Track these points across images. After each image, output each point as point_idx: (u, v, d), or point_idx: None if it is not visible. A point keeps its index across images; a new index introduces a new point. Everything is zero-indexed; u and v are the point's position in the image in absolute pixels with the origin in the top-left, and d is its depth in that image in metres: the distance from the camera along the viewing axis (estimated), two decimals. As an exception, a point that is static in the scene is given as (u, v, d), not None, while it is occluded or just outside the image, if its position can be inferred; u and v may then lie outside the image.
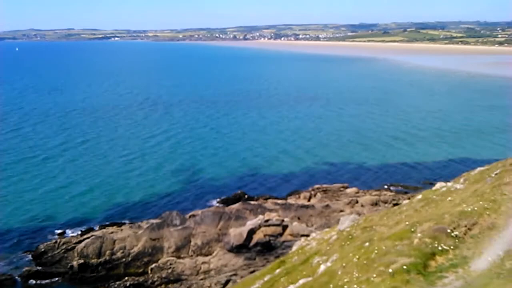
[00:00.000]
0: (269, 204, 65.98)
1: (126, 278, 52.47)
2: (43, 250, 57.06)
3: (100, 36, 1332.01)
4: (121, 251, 56.25)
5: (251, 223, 57.15)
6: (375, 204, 66.25)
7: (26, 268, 53.45)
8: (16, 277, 52.17)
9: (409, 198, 57.33)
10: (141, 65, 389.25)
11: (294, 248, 48.72)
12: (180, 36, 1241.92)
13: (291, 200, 70.39)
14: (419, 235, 23.62)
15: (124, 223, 64.34)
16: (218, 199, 75.11)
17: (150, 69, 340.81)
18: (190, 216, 60.84)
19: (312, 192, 73.42)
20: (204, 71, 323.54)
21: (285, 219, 58.47)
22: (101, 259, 55.19)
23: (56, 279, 52.97)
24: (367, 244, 26.50)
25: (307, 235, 52.34)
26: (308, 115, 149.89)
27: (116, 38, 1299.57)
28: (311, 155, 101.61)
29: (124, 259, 55.47)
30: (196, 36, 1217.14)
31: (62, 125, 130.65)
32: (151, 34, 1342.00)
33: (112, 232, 58.99)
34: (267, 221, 57.27)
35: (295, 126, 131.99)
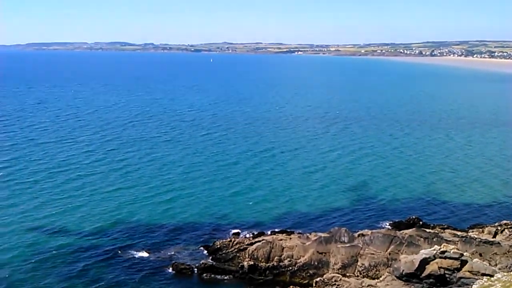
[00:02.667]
0: (446, 234, 60.70)
1: (291, 286, 53.06)
2: (218, 246, 61.10)
3: (285, 50, 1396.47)
4: (288, 259, 57.26)
5: (424, 252, 53.05)
6: None
7: (203, 261, 57.64)
8: (194, 268, 56.60)
9: None
10: (321, 79, 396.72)
11: (474, 287, 43.93)
12: (362, 51, 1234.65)
13: (472, 234, 63.62)
14: None
15: (293, 232, 65.44)
16: (390, 222, 71.77)
17: (330, 83, 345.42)
18: (359, 235, 59.14)
19: (499, 228, 65.33)
20: (386, 87, 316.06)
21: (465, 254, 52.93)
22: (269, 264, 56.88)
23: (227, 276, 56.04)
24: None
25: (490, 275, 46.75)
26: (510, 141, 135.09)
27: (299, 52, 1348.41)
28: (504, 186, 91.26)
29: (290, 268, 56.32)
30: (379, 51, 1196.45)
31: (249, 132, 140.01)
32: (333, 48, 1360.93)
33: (281, 239, 60.44)
34: (443, 252, 52.55)
35: (490, 153, 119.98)
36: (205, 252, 61.08)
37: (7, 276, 53.27)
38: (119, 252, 60.26)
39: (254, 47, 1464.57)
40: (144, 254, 59.93)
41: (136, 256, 59.45)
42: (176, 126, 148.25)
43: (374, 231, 60.21)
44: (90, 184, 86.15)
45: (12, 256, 57.92)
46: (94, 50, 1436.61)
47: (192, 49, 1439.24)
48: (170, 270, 56.24)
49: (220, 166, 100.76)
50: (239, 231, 67.92)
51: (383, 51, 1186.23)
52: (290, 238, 61.07)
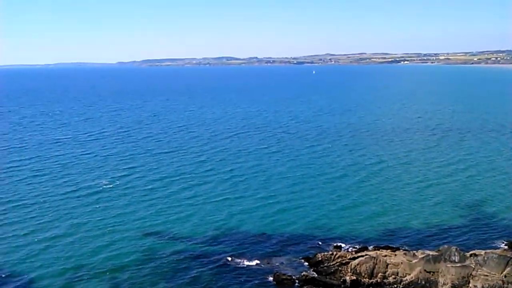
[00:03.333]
0: None
1: (396, 305, 51.71)
2: (320, 259, 61.15)
3: (390, 59, 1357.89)
4: (393, 276, 55.86)
5: (546, 277, 49.00)
6: None
7: (304, 273, 57.90)
8: (295, 279, 57.19)
9: None
10: (431, 89, 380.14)
11: None
12: (475, 59, 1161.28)
13: None
14: None
15: (398, 249, 63.60)
16: (505, 242, 66.92)
17: (441, 94, 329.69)
18: (471, 255, 55.95)
19: None
20: (504, 97, 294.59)
21: None
22: (373, 280, 55.88)
23: (329, 289, 55.93)
24: None
25: None
26: None
27: (406, 62, 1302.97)
28: None
29: (395, 285, 54.86)
30: (493, 58, 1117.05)
31: (355, 145, 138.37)
32: (442, 57, 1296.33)
33: (385, 255, 59.07)
34: None
35: None
36: (306, 264, 61.33)
37: (126, 278, 57.75)
38: (228, 260, 62.65)
39: (357, 57, 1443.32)
40: (250, 263, 61.80)
41: (243, 264, 61.46)
42: (281, 138, 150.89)
43: (488, 251, 56.67)
44: (202, 193, 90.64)
45: (130, 260, 62.58)
46: (202, 65, 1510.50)
47: (295, 62, 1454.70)
48: (271, 279, 57.37)
49: (327, 179, 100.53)
50: (342, 244, 67.48)
51: (499, 58, 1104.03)
52: (395, 255, 59.45)
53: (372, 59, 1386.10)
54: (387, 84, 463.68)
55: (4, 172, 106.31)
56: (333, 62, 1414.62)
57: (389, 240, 68.79)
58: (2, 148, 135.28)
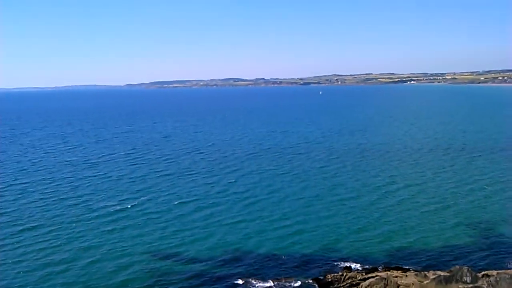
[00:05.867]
0: None
1: (409, 326, 51.91)
2: (329, 280, 61.40)
3: (396, 80, 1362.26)
4: (405, 297, 56.09)
5: (559, 297, 49.24)
6: None
7: (313, 294, 58.52)
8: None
9: None
10: (438, 109, 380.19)
11: None
12: (482, 78, 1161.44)
13: None
14: None
15: (409, 269, 63.91)
16: (518, 262, 67.01)
17: (448, 113, 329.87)
18: (483, 275, 56.28)
19: None
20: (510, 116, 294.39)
21: None
22: (385, 301, 56.09)
23: (341, 310, 56.32)
24: None
25: None
26: None
27: (412, 82, 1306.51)
28: None
29: (407, 306, 55.09)
30: (500, 78, 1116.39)
31: (366, 166, 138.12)
32: (449, 77, 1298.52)
33: (396, 276, 59.34)
34: None
35: None
36: (316, 285, 61.47)
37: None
38: (240, 282, 63.14)
39: (363, 77, 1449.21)
40: (262, 285, 62.29)
41: (255, 286, 62.01)
42: (291, 159, 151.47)
43: (500, 271, 56.99)
44: (215, 215, 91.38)
45: (145, 285, 62.78)
46: (209, 87, 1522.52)
47: (301, 82, 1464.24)
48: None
49: (339, 200, 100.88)
50: (352, 265, 67.70)
51: (505, 78, 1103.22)
52: (406, 275, 59.68)
53: (379, 79, 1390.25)
54: (394, 104, 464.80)
55: (17, 194, 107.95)
56: (339, 83, 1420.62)
57: (400, 261, 69.07)
58: (15, 170, 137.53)
